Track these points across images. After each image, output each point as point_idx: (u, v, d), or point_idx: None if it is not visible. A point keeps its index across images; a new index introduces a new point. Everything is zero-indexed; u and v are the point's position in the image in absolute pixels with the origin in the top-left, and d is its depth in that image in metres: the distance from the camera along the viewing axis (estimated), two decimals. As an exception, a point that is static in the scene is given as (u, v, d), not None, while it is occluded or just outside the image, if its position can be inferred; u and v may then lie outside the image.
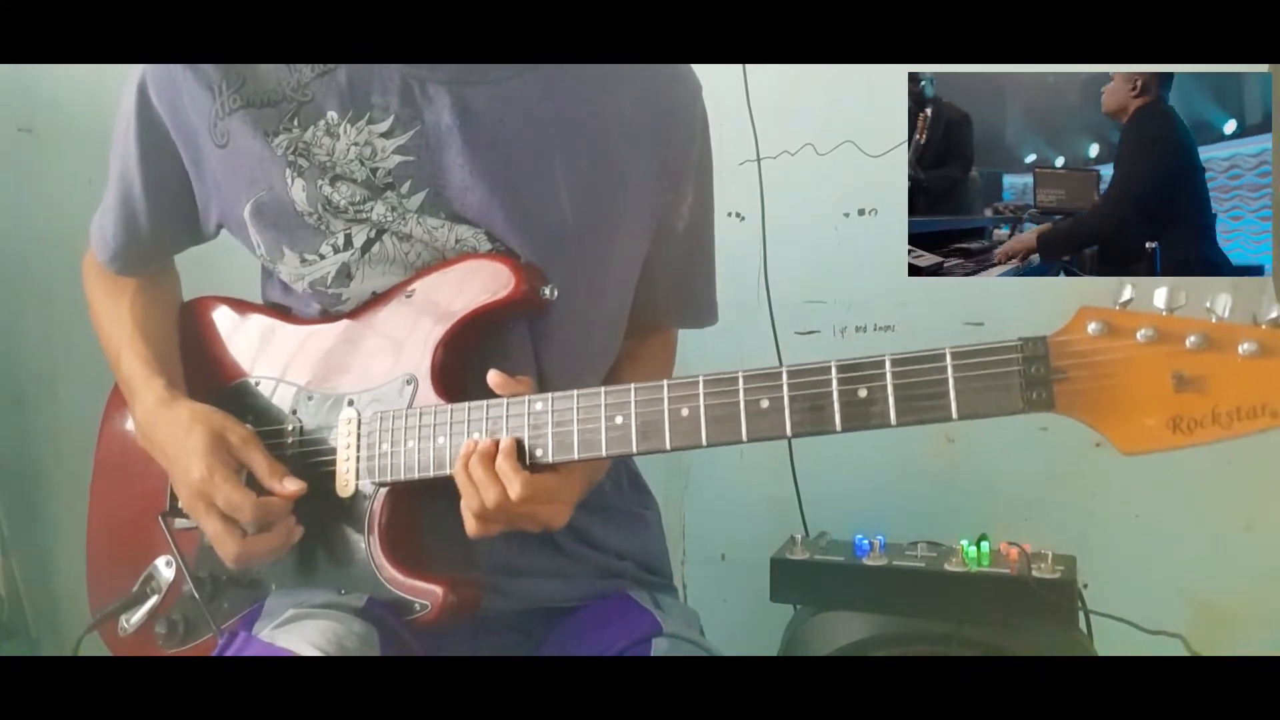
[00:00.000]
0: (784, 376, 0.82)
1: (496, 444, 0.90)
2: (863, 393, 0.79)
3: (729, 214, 1.72)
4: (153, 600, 1.12)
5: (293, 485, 0.98)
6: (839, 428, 0.80)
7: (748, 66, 1.67)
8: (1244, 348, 0.68)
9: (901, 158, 1.01)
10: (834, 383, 0.80)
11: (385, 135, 0.99)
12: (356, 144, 0.99)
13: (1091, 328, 0.73)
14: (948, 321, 1.59)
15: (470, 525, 0.92)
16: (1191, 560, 1.60)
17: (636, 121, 1.04)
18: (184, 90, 1.00)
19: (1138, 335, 0.71)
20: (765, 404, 0.82)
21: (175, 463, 1.01)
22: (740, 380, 0.83)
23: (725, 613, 1.67)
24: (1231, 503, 1.58)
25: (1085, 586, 1.31)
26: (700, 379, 0.85)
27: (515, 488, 0.88)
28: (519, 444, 0.90)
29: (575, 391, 0.90)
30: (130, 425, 1.17)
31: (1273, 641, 1.57)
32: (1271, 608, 1.59)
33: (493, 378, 0.92)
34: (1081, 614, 1.30)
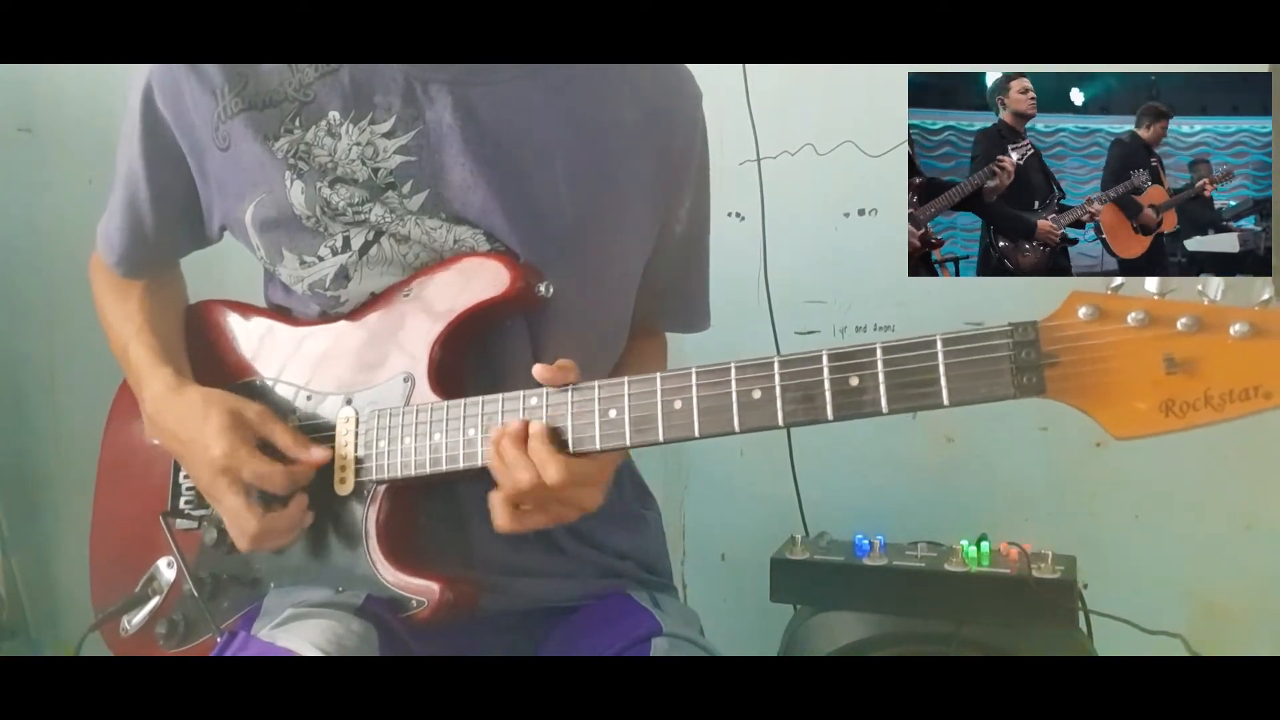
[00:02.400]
0: (776, 366, 0.82)
1: (526, 425, 0.89)
2: (854, 381, 0.79)
3: (729, 214, 1.73)
4: (154, 601, 1.12)
5: (319, 452, 0.98)
6: (831, 416, 0.80)
7: (748, 66, 1.67)
8: (1236, 329, 0.68)
9: (901, 158, 1.01)
10: (825, 371, 0.80)
11: (387, 135, 0.99)
12: (359, 144, 0.99)
13: (1082, 312, 0.72)
14: (947, 321, 1.57)
15: (500, 516, 0.90)
16: (1191, 560, 1.60)
17: (637, 125, 1.05)
18: (187, 94, 1.00)
19: (1128, 319, 0.71)
20: (757, 394, 0.82)
21: (191, 445, 1.01)
22: (732, 371, 0.83)
23: (725, 613, 1.67)
24: (1231, 503, 1.58)
25: (1085, 586, 1.31)
26: (693, 370, 0.85)
27: (551, 471, 0.86)
28: (554, 430, 0.89)
29: (569, 386, 0.90)
30: (135, 426, 1.17)
31: (1273, 641, 1.57)
32: (1271, 608, 1.59)
33: (537, 371, 0.90)
34: (1081, 614, 1.30)
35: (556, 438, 0.89)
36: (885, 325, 1.69)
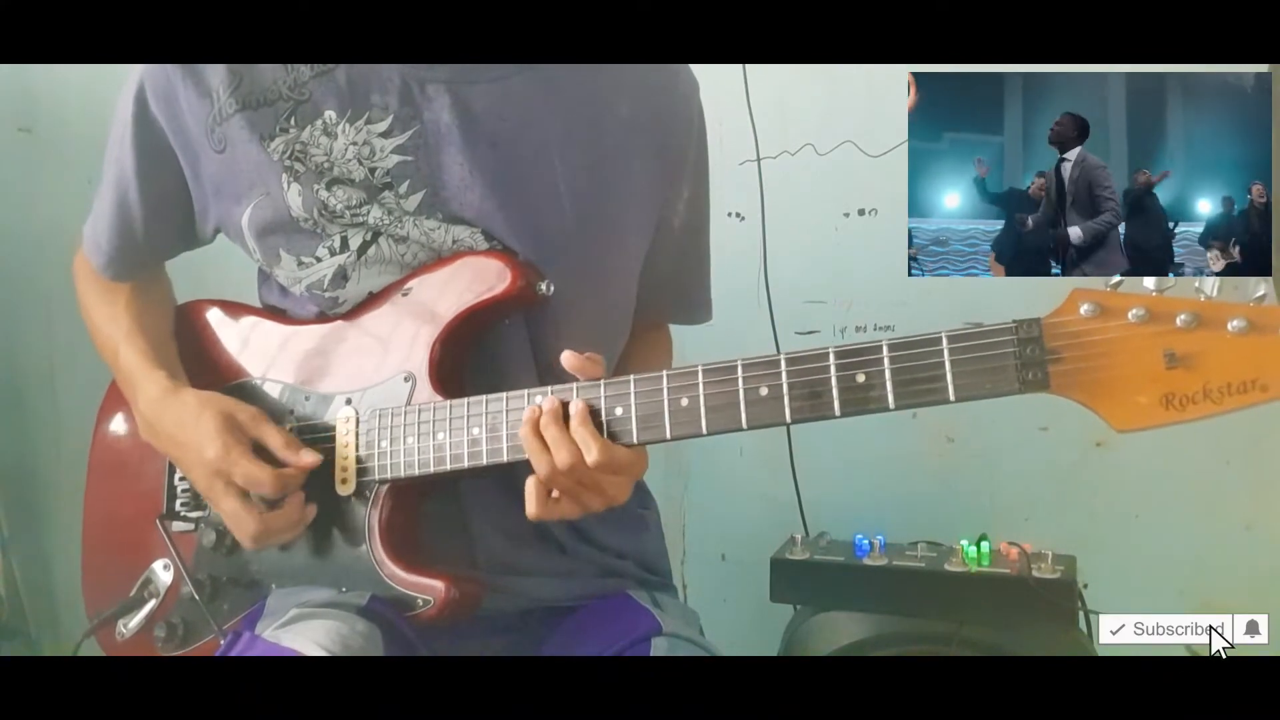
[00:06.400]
0: (783, 364, 0.82)
1: (565, 405, 0.89)
2: (861, 378, 0.80)
3: (729, 214, 1.72)
4: (151, 604, 1.12)
5: (309, 457, 0.99)
6: (838, 413, 0.80)
7: (748, 66, 1.67)
8: (1233, 324, 0.70)
9: (901, 158, 1.00)
10: (832, 369, 0.81)
11: (384, 135, 0.99)
12: (355, 143, 0.99)
13: (1084, 309, 0.74)
14: (948, 321, 1.58)
15: (533, 502, 0.89)
16: (1191, 560, 1.60)
17: (634, 119, 1.04)
18: (181, 96, 1.00)
19: (1129, 315, 0.72)
20: (764, 391, 0.83)
21: (186, 448, 1.01)
22: (739, 368, 0.84)
23: (725, 613, 1.67)
24: (1231, 503, 1.58)
25: (1085, 586, 1.31)
26: (699, 368, 0.85)
27: (594, 451, 0.86)
28: (593, 410, 0.88)
29: (574, 384, 0.90)
30: (124, 428, 1.17)
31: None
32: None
33: (566, 358, 0.90)
34: (1081, 614, 1.30)
35: (596, 418, 0.89)
36: (885, 325, 1.69)
